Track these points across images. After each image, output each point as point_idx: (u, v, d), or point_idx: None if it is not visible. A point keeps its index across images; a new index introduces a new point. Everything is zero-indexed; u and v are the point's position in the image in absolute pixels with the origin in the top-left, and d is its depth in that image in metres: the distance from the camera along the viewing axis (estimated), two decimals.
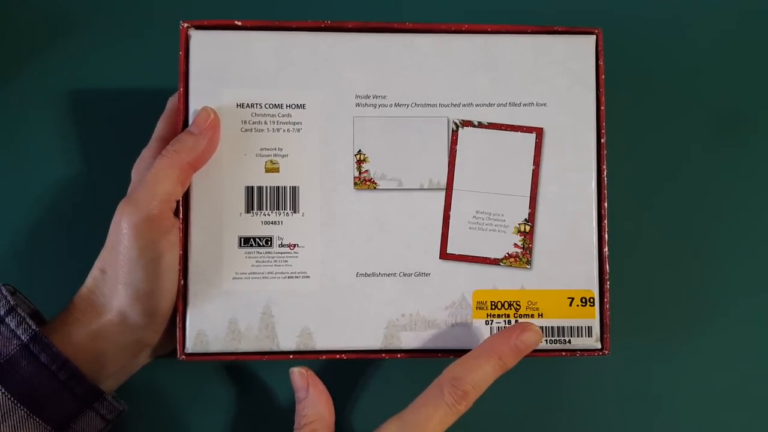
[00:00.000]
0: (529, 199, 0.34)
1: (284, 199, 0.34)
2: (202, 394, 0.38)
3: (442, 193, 0.34)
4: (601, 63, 0.34)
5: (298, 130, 0.34)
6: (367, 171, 0.34)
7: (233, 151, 0.34)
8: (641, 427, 0.39)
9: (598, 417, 0.39)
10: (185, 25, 0.34)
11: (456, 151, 0.34)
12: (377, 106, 0.34)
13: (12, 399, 0.30)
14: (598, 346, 0.34)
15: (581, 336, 0.34)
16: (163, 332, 0.34)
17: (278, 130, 0.34)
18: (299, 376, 0.33)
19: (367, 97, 0.34)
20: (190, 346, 0.33)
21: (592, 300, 0.34)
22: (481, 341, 0.34)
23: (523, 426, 0.39)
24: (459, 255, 0.34)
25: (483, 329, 0.34)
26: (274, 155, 0.34)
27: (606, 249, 0.34)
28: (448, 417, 0.30)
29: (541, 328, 0.34)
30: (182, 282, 0.33)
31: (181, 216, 0.33)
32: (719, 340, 0.40)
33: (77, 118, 0.40)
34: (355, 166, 0.34)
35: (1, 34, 0.40)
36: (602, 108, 0.34)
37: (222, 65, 0.34)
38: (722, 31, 0.42)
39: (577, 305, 0.34)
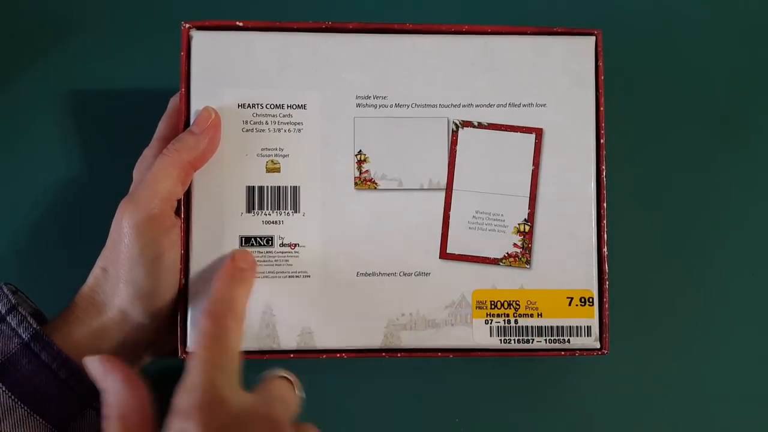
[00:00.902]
0: (528, 199, 0.34)
1: (285, 198, 0.34)
2: None
3: (442, 193, 0.34)
4: (600, 64, 0.35)
5: (299, 131, 0.34)
6: (367, 171, 0.34)
7: (234, 151, 0.34)
8: (640, 427, 0.39)
9: (597, 417, 0.39)
10: (187, 25, 0.34)
11: (456, 152, 0.34)
12: (378, 107, 0.34)
13: (13, 397, 0.30)
14: (597, 345, 0.34)
15: (580, 336, 0.34)
16: (164, 331, 0.34)
17: (279, 130, 0.34)
18: (93, 364, 0.29)
19: (368, 97, 0.34)
20: (191, 345, 0.33)
21: (591, 300, 0.34)
22: (480, 341, 0.34)
23: (523, 426, 0.39)
24: (459, 255, 0.34)
25: (483, 329, 0.34)
26: (275, 155, 0.34)
27: (605, 249, 0.34)
28: (223, 337, 0.29)
29: (541, 327, 0.34)
30: (183, 281, 0.33)
31: (182, 215, 0.33)
32: (718, 340, 0.40)
33: (78, 119, 0.40)
34: (356, 166, 0.34)
35: (1, 34, 0.40)
36: (601, 108, 0.34)
37: (223, 65, 0.34)
38: (722, 32, 0.42)
39: (576, 305, 0.34)
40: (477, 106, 0.34)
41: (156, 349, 0.35)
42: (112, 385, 0.29)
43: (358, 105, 0.34)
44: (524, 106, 0.35)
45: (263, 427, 0.27)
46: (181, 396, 0.28)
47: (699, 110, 0.41)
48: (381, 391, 0.39)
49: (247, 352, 0.33)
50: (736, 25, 0.42)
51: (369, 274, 0.34)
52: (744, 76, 0.42)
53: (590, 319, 0.34)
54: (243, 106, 0.34)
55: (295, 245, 0.34)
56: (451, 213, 0.34)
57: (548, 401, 0.39)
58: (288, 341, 0.33)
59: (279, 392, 0.30)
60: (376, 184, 0.34)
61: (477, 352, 0.34)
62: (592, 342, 0.34)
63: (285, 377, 0.31)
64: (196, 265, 0.33)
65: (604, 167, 0.34)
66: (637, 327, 0.39)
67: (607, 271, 0.34)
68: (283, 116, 0.34)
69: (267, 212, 0.34)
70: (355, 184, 0.34)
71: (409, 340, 0.34)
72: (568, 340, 0.34)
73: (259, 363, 0.38)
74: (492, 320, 0.34)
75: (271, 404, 0.29)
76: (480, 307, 0.34)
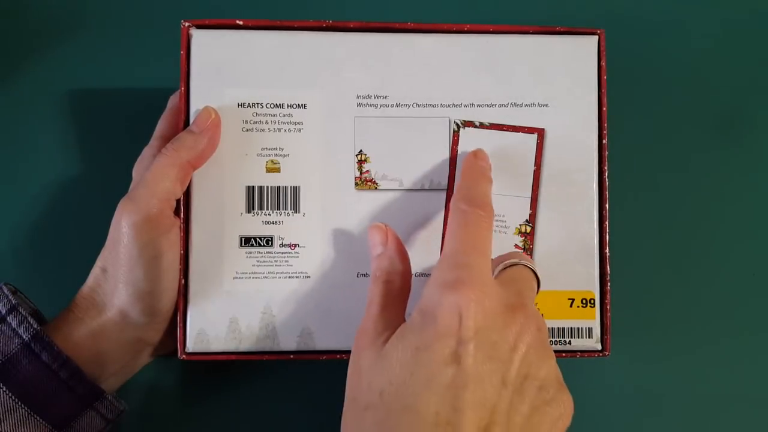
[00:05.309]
0: (530, 199, 0.34)
1: (285, 199, 0.34)
2: (201, 394, 0.38)
3: (443, 194, 0.34)
4: (603, 63, 0.34)
5: (300, 130, 0.34)
6: (368, 171, 0.34)
7: (234, 150, 0.34)
8: (641, 428, 0.39)
9: (598, 417, 0.39)
10: (186, 24, 0.34)
11: (457, 152, 0.34)
12: (378, 106, 0.34)
13: (13, 397, 0.30)
14: (599, 347, 0.34)
15: (582, 337, 0.34)
16: (163, 331, 0.34)
17: (279, 129, 0.34)
18: (377, 230, 0.31)
19: (369, 97, 0.34)
20: (191, 345, 0.33)
21: (592, 301, 0.34)
22: None
23: None
24: None
25: None
26: (275, 155, 0.34)
27: (607, 250, 0.34)
28: (483, 226, 0.29)
29: None
30: (183, 281, 0.33)
31: (182, 215, 0.33)
32: (719, 341, 0.40)
33: (78, 118, 0.40)
34: (356, 166, 0.34)
35: (1, 34, 0.40)
36: (604, 109, 0.34)
37: (223, 65, 0.34)
38: (723, 32, 0.42)
39: (578, 306, 0.34)
40: (478, 106, 0.34)
41: (156, 350, 0.35)
42: (388, 252, 0.31)
43: (359, 104, 0.34)
44: (526, 106, 0.34)
45: (525, 323, 0.26)
46: (446, 270, 0.27)
47: (702, 110, 0.41)
48: None
49: (247, 353, 0.33)
50: (738, 25, 0.42)
51: (369, 275, 0.34)
52: (746, 76, 0.41)
53: (592, 320, 0.34)
54: (243, 105, 0.34)
55: (295, 245, 0.34)
56: None
57: None
58: (288, 342, 0.33)
59: (526, 283, 0.29)
60: (376, 184, 0.34)
61: None
62: (593, 343, 0.34)
63: (524, 264, 0.30)
64: (196, 266, 0.33)
65: (606, 168, 0.34)
66: (638, 328, 0.39)
67: (608, 272, 0.34)
68: (284, 116, 0.34)
69: (267, 212, 0.34)
70: (356, 184, 0.34)
71: None
72: (570, 341, 0.34)
73: (259, 364, 0.38)
74: None
75: (525, 297, 0.28)
76: None
